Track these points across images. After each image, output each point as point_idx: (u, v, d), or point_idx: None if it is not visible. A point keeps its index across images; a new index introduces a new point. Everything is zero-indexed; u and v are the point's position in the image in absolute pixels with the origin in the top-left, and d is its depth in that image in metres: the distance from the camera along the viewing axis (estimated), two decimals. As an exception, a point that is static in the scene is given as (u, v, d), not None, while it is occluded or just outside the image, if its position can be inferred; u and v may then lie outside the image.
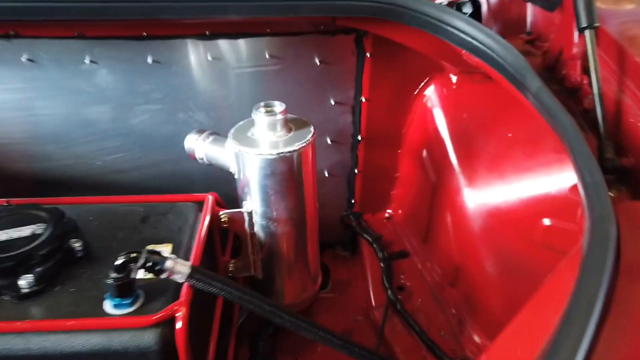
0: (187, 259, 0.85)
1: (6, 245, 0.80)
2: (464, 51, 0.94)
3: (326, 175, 1.44)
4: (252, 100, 1.01)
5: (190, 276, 0.77)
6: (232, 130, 1.00)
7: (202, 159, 1.05)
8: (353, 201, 1.54)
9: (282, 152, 0.93)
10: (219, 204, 1.06)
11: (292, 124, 1.02)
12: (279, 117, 0.97)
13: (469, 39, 0.91)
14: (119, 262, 0.73)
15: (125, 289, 0.74)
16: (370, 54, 1.21)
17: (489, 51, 0.87)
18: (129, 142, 1.26)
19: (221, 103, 1.22)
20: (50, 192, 1.04)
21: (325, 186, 1.48)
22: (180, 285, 0.79)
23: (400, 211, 1.58)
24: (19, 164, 1.26)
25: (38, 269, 0.78)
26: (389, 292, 1.32)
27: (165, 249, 0.88)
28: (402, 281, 1.41)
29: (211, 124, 1.24)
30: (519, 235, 1.02)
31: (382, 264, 1.43)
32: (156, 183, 1.31)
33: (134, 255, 0.74)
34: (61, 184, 1.29)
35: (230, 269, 1.08)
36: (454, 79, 1.29)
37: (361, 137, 1.37)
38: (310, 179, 1.02)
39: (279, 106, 1.00)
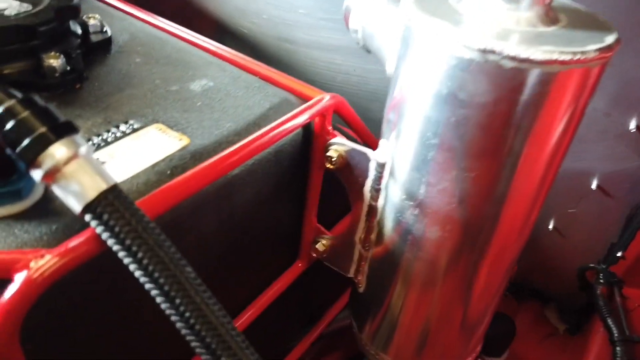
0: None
1: None
2: None
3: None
4: None
5: (90, 208, 0.30)
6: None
7: (357, 31, 0.54)
8: (620, 254, 0.82)
9: (510, 55, 0.34)
10: (343, 125, 0.55)
11: (564, 14, 0.41)
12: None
13: None
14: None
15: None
16: None
17: None
18: None
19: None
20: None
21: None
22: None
23: None
24: None
25: None
26: None
27: (161, 137, 0.43)
28: None
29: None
30: None
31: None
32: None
33: (11, 102, 0.31)
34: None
35: (317, 245, 0.58)
36: None
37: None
38: (548, 146, 0.40)
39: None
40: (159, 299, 0.31)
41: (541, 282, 0.98)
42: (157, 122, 0.45)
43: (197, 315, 0.31)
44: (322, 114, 0.49)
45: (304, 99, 0.53)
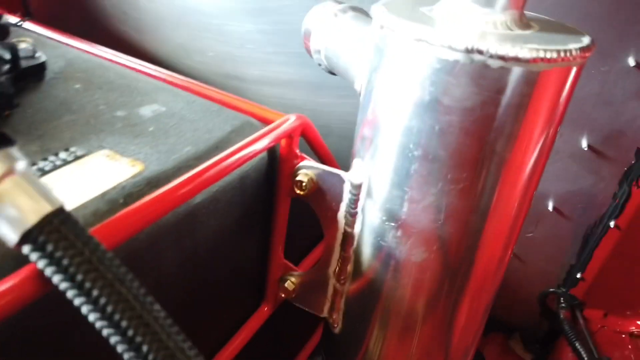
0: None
1: None
2: None
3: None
4: None
5: (30, 236, 0.24)
6: (390, -5, 0.43)
7: (319, 52, 0.51)
8: (579, 276, 0.83)
9: (498, 54, 0.32)
10: (312, 146, 0.52)
11: (534, 22, 0.41)
12: (513, -19, 0.37)
13: None
14: None
15: None
16: None
17: None
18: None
19: None
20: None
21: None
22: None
23: (667, 335, 0.81)
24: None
25: None
26: None
27: (110, 164, 0.38)
28: None
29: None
30: None
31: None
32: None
33: None
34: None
35: (286, 284, 0.53)
36: None
37: (619, 227, 0.69)
38: (533, 151, 0.39)
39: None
40: (120, 347, 0.24)
41: (504, 312, 0.96)
42: (103, 148, 0.40)
43: (171, 364, 0.25)
44: (289, 136, 0.45)
45: (267, 123, 0.49)
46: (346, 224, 0.46)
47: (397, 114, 0.38)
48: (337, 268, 0.49)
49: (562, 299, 0.86)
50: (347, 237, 0.47)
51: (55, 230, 0.24)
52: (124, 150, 0.40)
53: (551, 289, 0.88)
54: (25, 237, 0.24)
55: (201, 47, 0.88)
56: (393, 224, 0.42)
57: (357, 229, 0.46)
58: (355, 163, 0.45)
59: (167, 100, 0.49)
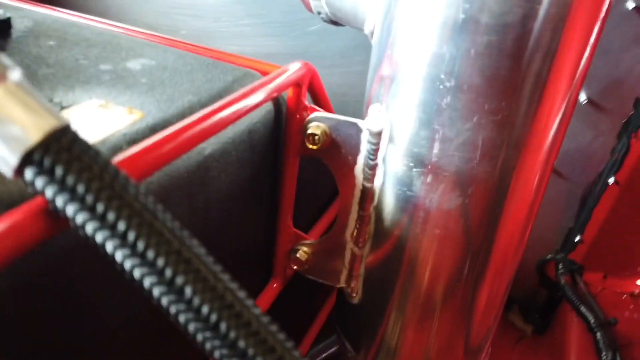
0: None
1: None
2: None
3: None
4: None
5: (33, 157, 0.19)
6: None
7: (320, -2, 0.47)
8: (578, 238, 0.82)
9: None
10: (316, 100, 0.48)
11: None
12: None
13: None
14: None
15: None
16: None
17: None
18: None
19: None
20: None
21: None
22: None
23: (668, 291, 0.81)
24: None
25: None
26: None
27: (103, 113, 0.33)
28: None
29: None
30: None
31: (607, 377, 0.70)
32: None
33: None
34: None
35: (297, 254, 0.48)
36: None
37: (618, 182, 0.69)
38: (570, 73, 0.35)
39: None
40: (157, 290, 0.20)
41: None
42: (92, 99, 0.34)
43: (220, 307, 0.20)
44: (296, 84, 0.41)
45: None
46: (364, 178, 0.42)
47: (424, 43, 0.35)
48: (355, 230, 0.45)
49: (561, 264, 0.85)
50: (366, 193, 0.43)
51: (65, 149, 0.19)
52: (116, 100, 0.35)
53: (549, 256, 0.86)
54: (27, 159, 0.19)
55: (172, 26, 0.82)
56: (421, 170, 0.38)
57: (377, 183, 0.42)
58: (373, 109, 0.41)
59: (155, 55, 0.43)
